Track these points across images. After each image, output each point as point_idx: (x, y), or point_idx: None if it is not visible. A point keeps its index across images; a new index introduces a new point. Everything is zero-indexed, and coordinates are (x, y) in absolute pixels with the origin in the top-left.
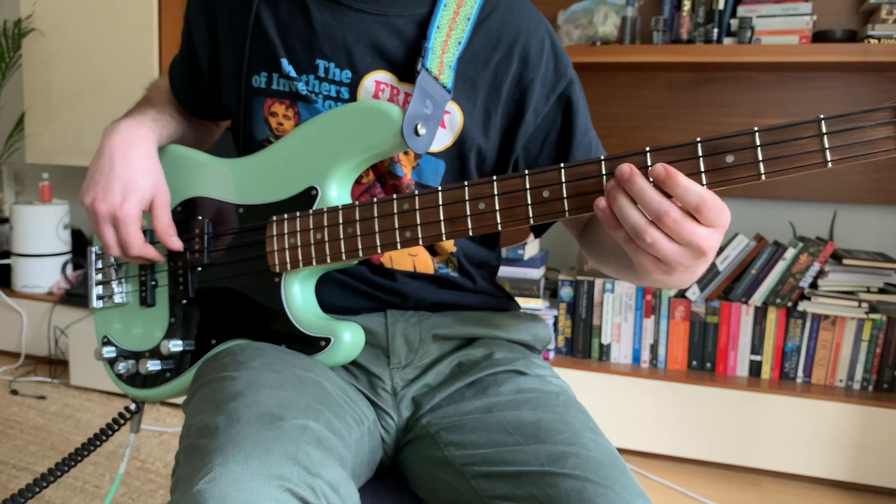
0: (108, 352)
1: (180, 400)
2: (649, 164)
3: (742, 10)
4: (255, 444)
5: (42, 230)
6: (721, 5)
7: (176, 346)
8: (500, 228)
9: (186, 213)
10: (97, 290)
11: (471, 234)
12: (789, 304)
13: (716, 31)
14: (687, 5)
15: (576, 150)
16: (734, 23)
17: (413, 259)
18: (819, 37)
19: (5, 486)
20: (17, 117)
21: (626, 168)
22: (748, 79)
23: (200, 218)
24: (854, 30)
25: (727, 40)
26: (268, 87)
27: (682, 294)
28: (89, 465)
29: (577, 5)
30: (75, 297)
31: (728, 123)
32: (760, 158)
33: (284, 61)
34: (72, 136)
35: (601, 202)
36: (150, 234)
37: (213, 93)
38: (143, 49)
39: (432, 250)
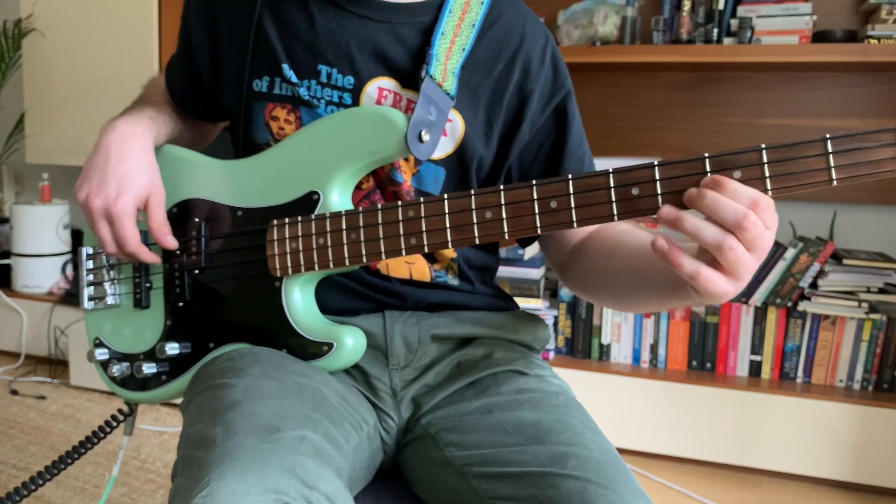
0: (101, 354)
1: (180, 400)
2: (657, 177)
3: (742, 10)
4: (251, 457)
5: (42, 230)
6: (721, 5)
7: (173, 349)
8: (506, 238)
9: (182, 214)
10: (89, 291)
11: (477, 242)
12: (789, 304)
13: (716, 31)
14: (687, 5)
15: (567, 161)
16: (734, 23)
17: (410, 267)
18: (819, 37)
19: (5, 486)
20: (17, 117)
21: (693, 191)
22: (748, 79)
23: (197, 219)
24: (854, 30)
25: (727, 40)
26: (269, 92)
27: None
28: (89, 465)
29: (577, 5)
30: (75, 297)
31: (728, 123)
32: (767, 175)
33: (286, 66)
34: (72, 136)
35: (660, 241)
36: (145, 234)
37: (213, 95)
38: (143, 49)
39: (431, 258)
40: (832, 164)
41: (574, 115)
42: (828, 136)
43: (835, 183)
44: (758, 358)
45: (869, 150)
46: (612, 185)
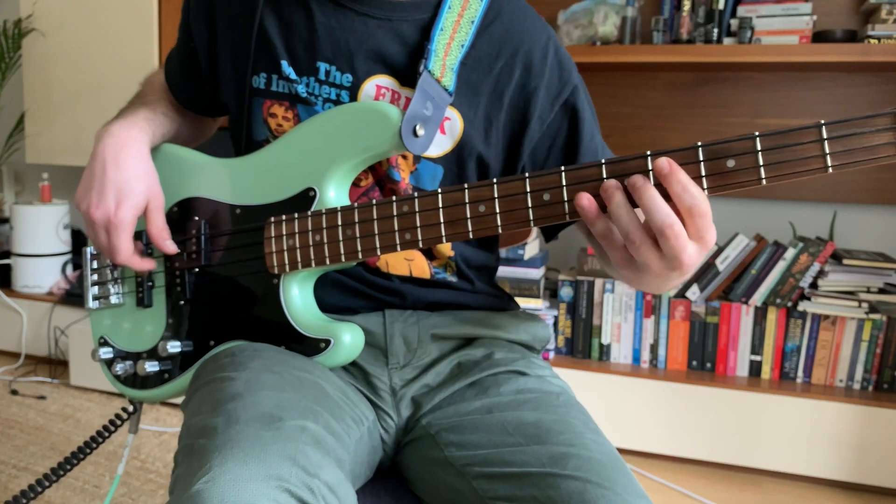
0: (105, 353)
1: (180, 400)
2: (650, 168)
3: (742, 10)
4: (253, 444)
5: (42, 230)
6: (721, 5)
7: (174, 347)
8: (500, 231)
9: (182, 213)
10: (93, 291)
11: (471, 236)
12: (789, 304)
13: (716, 31)
14: (687, 5)
15: (583, 156)
16: (734, 23)
17: (409, 264)
18: (819, 37)
19: (5, 486)
20: (17, 117)
21: (640, 178)
22: (748, 79)
23: (197, 218)
24: (854, 30)
25: (727, 40)
26: (267, 89)
27: (682, 294)
28: (89, 466)
29: (577, 5)
30: (75, 297)
31: (728, 123)
32: (761, 163)
33: (284, 63)
34: (72, 136)
35: (583, 199)
36: (144, 236)
37: (211, 90)
38: (143, 49)
39: (430, 255)
40: (827, 151)
41: (584, 109)
42: (822, 122)
43: (830, 170)
44: (758, 358)
45: (864, 135)
46: (604, 176)
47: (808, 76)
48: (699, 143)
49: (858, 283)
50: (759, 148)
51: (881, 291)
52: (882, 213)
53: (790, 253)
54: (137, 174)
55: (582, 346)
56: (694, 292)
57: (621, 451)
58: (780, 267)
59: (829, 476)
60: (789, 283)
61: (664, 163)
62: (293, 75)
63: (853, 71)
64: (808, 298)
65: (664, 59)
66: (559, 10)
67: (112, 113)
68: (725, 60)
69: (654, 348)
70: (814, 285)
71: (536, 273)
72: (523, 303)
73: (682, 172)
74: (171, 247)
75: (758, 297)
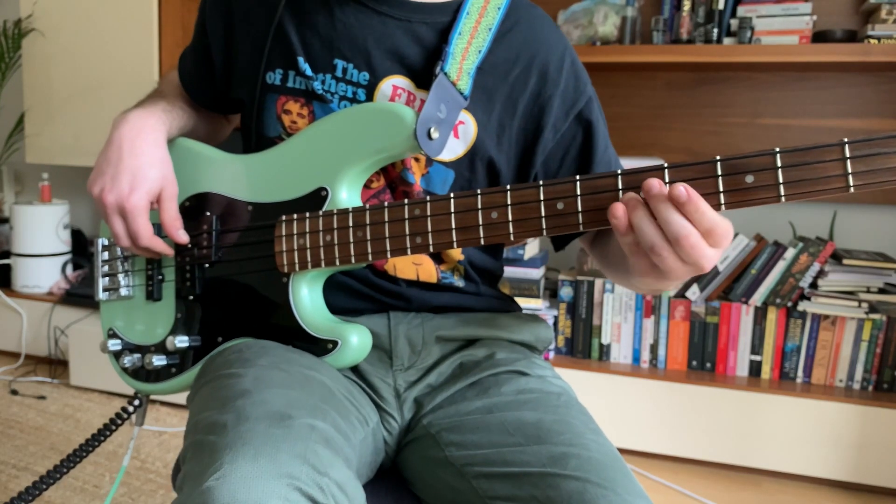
0: (114, 345)
1: (180, 398)
2: (667, 180)
3: (742, 10)
4: (264, 442)
5: (42, 230)
6: (721, 5)
7: (182, 341)
8: (512, 239)
9: (194, 207)
10: (103, 282)
11: (482, 242)
12: (789, 304)
13: (716, 31)
14: (687, 5)
15: (596, 166)
16: (734, 23)
17: (417, 268)
18: (819, 37)
19: (5, 486)
20: (17, 117)
21: (656, 184)
22: (748, 79)
23: (209, 214)
24: (854, 30)
25: (727, 40)
26: (283, 85)
27: (682, 294)
28: (89, 465)
29: (577, 5)
30: (75, 297)
31: (728, 123)
32: (781, 181)
33: (301, 59)
34: (72, 136)
35: (618, 210)
36: (157, 227)
37: (224, 86)
38: (143, 49)
39: (438, 258)
40: (850, 171)
41: (598, 120)
42: (846, 140)
43: (852, 190)
44: (758, 358)
45: (888, 155)
46: (620, 187)
47: (807, 76)
48: (717, 158)
49: (858, 283)
50: (779, 164)
51: (881, 291)
52: (882, 213)
53: (790, 253)
54: (153, 161)
55: (582, 346)
56: (694, 292)
57: (621, 451)
58: (780, 267)
59: (829, 476)
60: (789, 283)
61: (682, 192)
62: (309, 72)
63: (853, 71)
64: (808, 298)
65: (664, 59)
66: (559, 10)
67: (112, 113)
68: (725, 60)
69: (654, 348)
70: (814, 285)
71: (536, 273)
72: (523, 303)
73: (701, 201)
74: (182, 236)
75: (758, 297)
